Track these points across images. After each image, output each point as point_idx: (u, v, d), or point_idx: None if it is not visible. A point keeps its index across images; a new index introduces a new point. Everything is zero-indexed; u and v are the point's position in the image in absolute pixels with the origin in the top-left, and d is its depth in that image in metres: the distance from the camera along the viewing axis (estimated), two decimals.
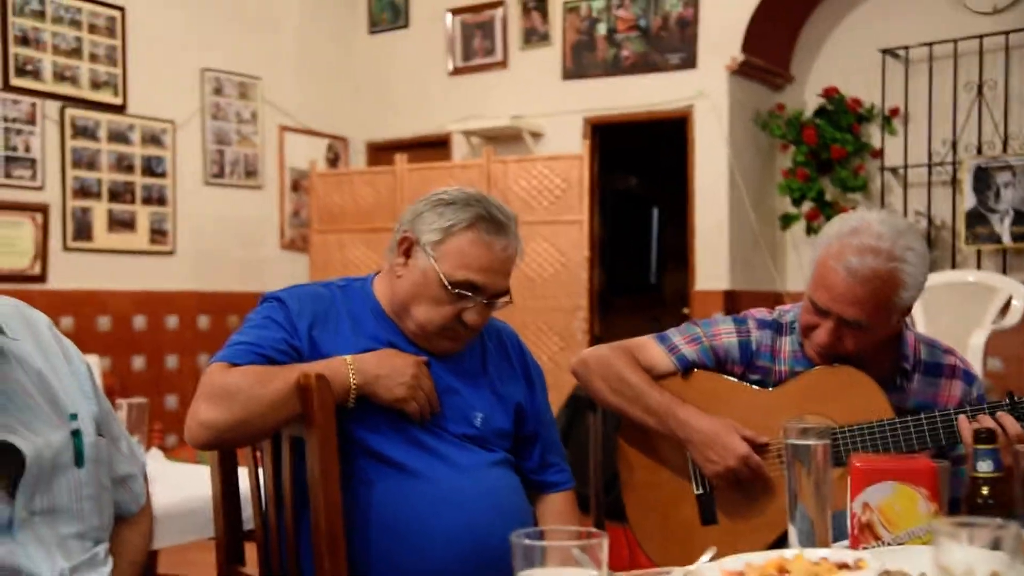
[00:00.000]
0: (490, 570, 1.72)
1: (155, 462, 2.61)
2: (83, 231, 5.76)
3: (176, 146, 6.23)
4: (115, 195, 5.92)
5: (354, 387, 1.75)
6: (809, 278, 1.98)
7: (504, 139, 6.50)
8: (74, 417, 1.45)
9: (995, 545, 0.83)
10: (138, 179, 6.04)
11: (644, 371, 2.10)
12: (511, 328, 2.06)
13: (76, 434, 1.44)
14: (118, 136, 5.93)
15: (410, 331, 1.84)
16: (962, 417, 1.83)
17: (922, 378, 2.03)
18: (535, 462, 1.97)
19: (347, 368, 1.75)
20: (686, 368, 2.12)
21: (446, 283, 1.78)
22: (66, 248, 5.67)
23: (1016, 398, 1.84)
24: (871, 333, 1.93)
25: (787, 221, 6.10)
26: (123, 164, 5.96)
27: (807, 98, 6.10)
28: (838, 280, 1.89)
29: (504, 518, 1.77)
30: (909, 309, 1.97)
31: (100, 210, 5.84)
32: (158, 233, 6.13)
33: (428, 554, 1.74)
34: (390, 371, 1.77)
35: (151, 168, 6.10)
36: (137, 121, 6.01)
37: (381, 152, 7.18)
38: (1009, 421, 1.79)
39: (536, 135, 6.47)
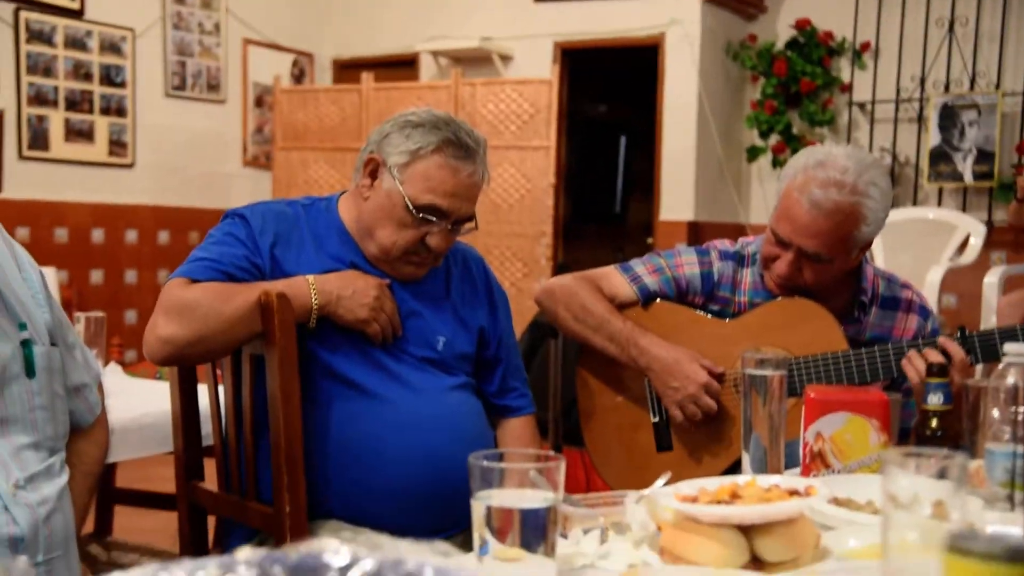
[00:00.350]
0: (448, 493, 1.73)
1: (114, 376, 2.60)
2: (39, 140, 5.62)
3: (136, 55, 6.07)
4: (72, 104, 5.77)
5: (316, 307, 1.74)
6: (773, 210, 1.99)
7: (473, 61, 6.40)
8: (23, 327, 1.42)
9: (941, 475, 0.85)
10: (96, 88, 5.89)
11: (607, 300, 2.12)
12: (476, 252, 2.05)
13: (26, 344, 1.41)
14: (75, 42, 5.76)
15: (372, 254, 1.83)
16: (912, 351, 1.87)
17: (879, 311, 2.06)
18: (496, 386, 1.99)
19: (309, 288, 1.74)
20: (647, 298, 2.13)
21: (411, 207, 1.76)
22: (21, 157, 5.54)
23: (967, 333, 1.88)
24: (830, 266, 1.95)
25: (753, 154, 6.11)
26: (80, 72, 5.80)
27: (779, 29, 6.06)
28: (801, 212, 1.90)
29: (463, 442, 1.78)
30: (869, 244, 1.99)
31: (57, 119, 5.70)
32: (117, 145, 6.00)
33: (386, 475, 1.75)
34: (352, 292, 1.76)
35: (110, 77, 5.95)
36: (95, 27, 5.84)
37: (347, 70, 7.05)
38: (953, 347, 1.84)
39: (505, 58, 6.38)
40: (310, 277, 1.76)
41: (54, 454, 1.46)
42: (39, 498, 1.38)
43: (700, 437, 2.08)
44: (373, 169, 1.82)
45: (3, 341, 1.38)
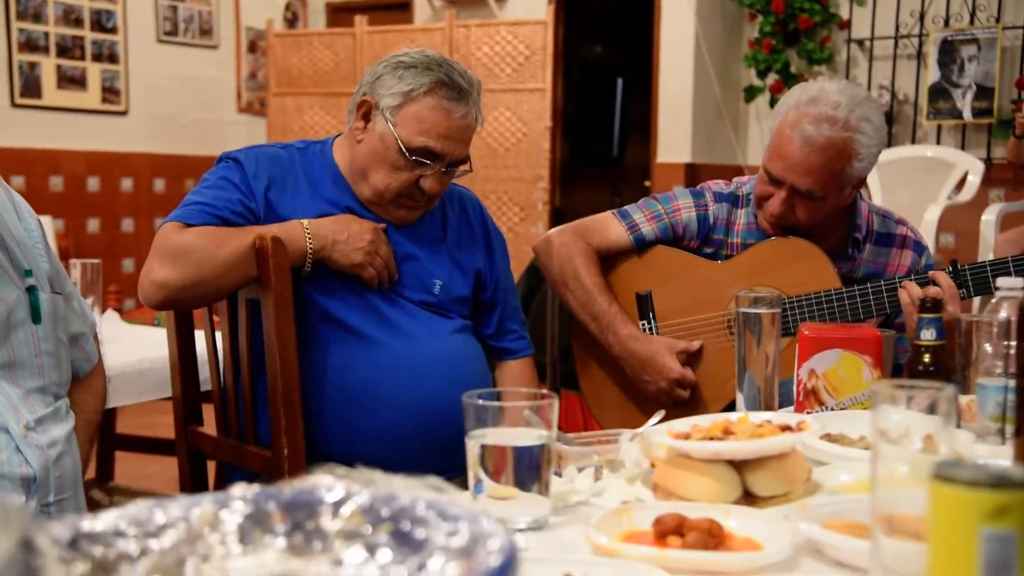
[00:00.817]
0: (446, 436, 1.75)
1: (111, 324, 2.60)
2: (31, 87, 5.57)
3: (126, 0, 5.98)
4: (64, 50, 5.71)
5: (311, 251, 1.74)
6: (766, 148, 1.98)
7: (467, 3, 6.31)
8: (29, 274, 1.44)
9: (931, 409, 0.86)
10: (87, 34, 5.82)
11: (599, 274, 2.12)
12: (473, 194, 2.05)
13: (31, 290, 1.43)
14: None
15: (366, 197, 1.82)
16: (905, 284, 1.88)
17: (873, 248, 2.06)
18: (493, 328, 1.99)
19: (304, 232, 1.74)
20: (643, 246, 2.14)
21: (404, 149, 1.75)
22: (14, 105, 5.50)
23: (959, 266, 1.89)
24: (823, 203, 1.94)
25: (751, 93, 6.05)
26: (71, 17, 5.72)
27: None
28: (793, 149, 1.90)
29: (461, 385, 1.78)
30: (862, 181, 1.98)
31: (48, 66, 5.64)
32: (110, 92, 5.95)
33: (384, 419, 1.77)
34: (347, 236, 1.76)
35: (100, 23, 5.87)
36: None
37: (340, 14, 6.96)
38: (943, 278, 1.85)
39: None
40: (304, 221, 1.75)
41: (59, 399, 1.48)
42: (49, 440, 1.41)
43: (696, 380, 2.09)
44: (366, 111, 1.80)
45: (9, 287, 1.39)
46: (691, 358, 2.06)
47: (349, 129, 1.85)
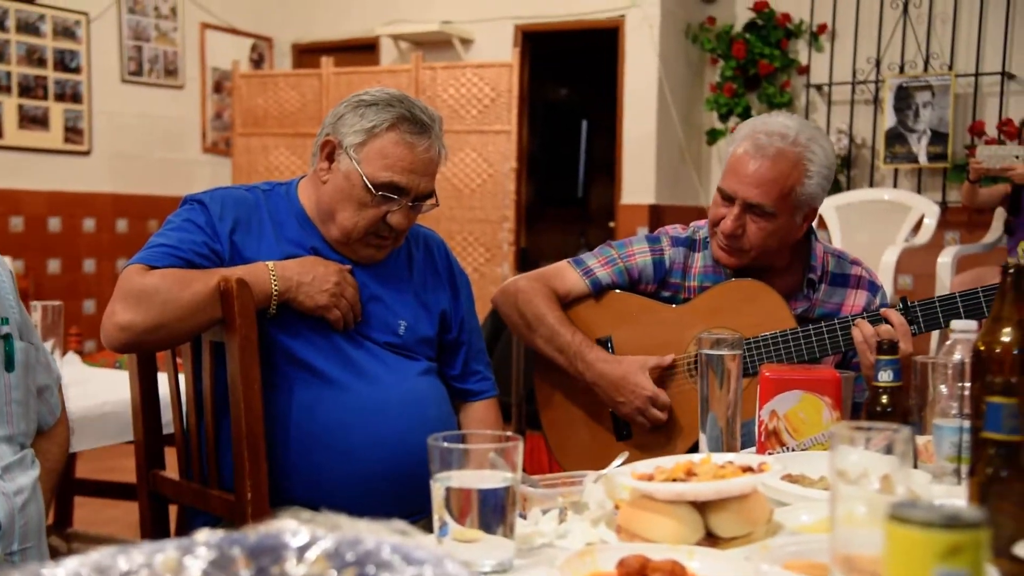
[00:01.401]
0: (412, 479, 1.74)
1: (72, 367, 2.57)
2: None
3: (90, 40, 5.98)
4: (26, 90, 5.68)
5: (275, 293, 1.74)
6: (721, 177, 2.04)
7: (433, 45, 6.37)
8: (5, 321, 1.43)
9: (889, 450, 0.87)
10: (51, 73, 5.79)
11: (560, 309, 2.15)
12: (438, 235, 2.06)
13: (6, 339, 1.42)
14: (28, 27, 5.66)
15: (333, 238, 1.83)
16: (858, 322, 1.91)
17: (829, 288, 2.10)
18: (458, 369, 2.00)
19: (269, 274, 1.74)
20: (599, 290, 2.17)
21: (369, 185, 1.76)
22: None
23: (908, 303, 1.93)
24: (773, 222, 1.97)
25: (713, 136, 6.15)
26: (34, 57, 5.70)
27: (738, 11, 6.10)
28: (746, 161, 1.96)
29: (425, 427, 1.79)
30: (813, 212, 2.03)
31: (10, 105, 5.61)
32: (73, 132, 5.92)
33: (348, 462, 1.76)
34: (312, 278, 1.76)
35: (64, 63, 5.86)
36: (48, 11, 5.74)
37: (307, 55, 6.99)
38: (894, 315, 1.89)
39: (466, 41, 6.36)
40: (269, 263, 1.75)
41: (24, 449, 1.46)
42: (15, 488, 1.39)
43: (659, 424, 2.10)
44: (330, 152, 1.81)
45: None
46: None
47: (313, 171, 1.86)
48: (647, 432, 2.10)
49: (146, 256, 1.72)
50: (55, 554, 2.47)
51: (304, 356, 1.78)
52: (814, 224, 2.13)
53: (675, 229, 2.19)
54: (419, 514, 1.80)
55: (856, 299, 2.08)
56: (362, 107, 1.79)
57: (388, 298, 1.87)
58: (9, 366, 1.42)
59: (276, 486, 1.75)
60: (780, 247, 2.03)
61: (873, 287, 2.11)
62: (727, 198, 2.00)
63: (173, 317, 1.68)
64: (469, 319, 2.02)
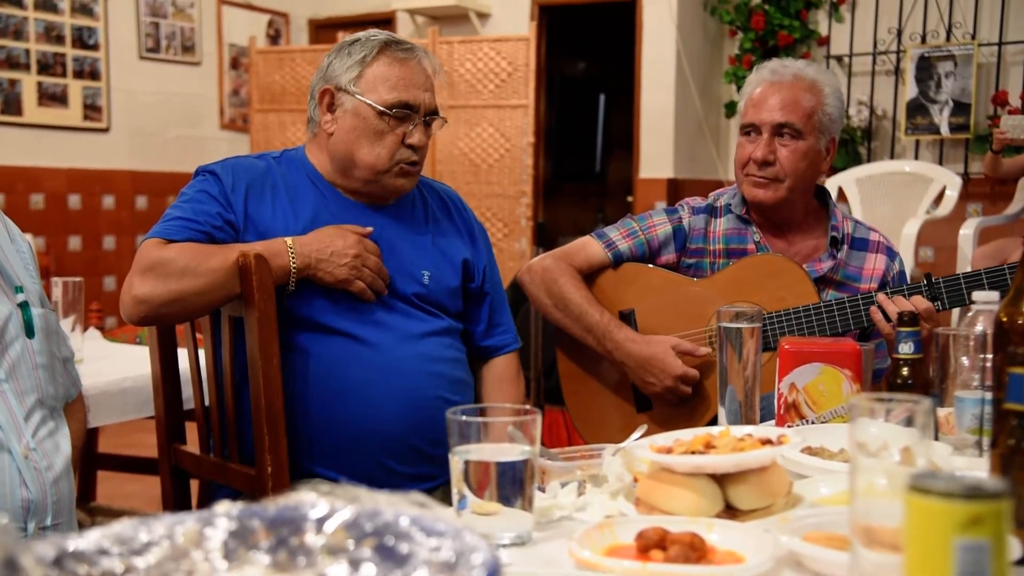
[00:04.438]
0: (427, 434, 1.77)
1: (93, 342, 2.59)
2: (12, 105, 5.55)
3: (108, 17, 5.98)
4: (44, 67, 5.69)
5: (294, 270, 1.74)
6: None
7: (450, 19, 6.34)
8: (20, 290, 1.46)
9: (909, 422, 0.87)
10: (69, 51, 5.80)
11: (586, 288, 2.16)
12: (451, 188, 2.08)
13: (23, 306, 1.45)
14: (46, 4, 5.66)
15: (362, 179, 1.83)
16: (880, 297, 1.91)
17: (850, 251, 2.12)
18: (484, 323, 1.99)
19: (287, 250, 1.74)
20: (619, 261, 2.17)
21: (381, 108, 1.80)
22: None
23: (933, 279, 1.92)
24: (804, 143, 2.03)
25: (732, 109, 6.09)
26: (52, 34, 5.71)
27: None
28: (767, 91, 2.05)
29: (444, 387, 1.81)
30: (833, 144, 2.09)
31: (29, 83, 5.63)
32: (91, 109, 5.93)
33: (366, 420, 1.76)
34: (331, 253, 1.76)
35: (82, 40, 5.86)
36: None
37: (323, 30, 6.97)
38: (919, 299, 1.89)
39: (483, 16, 6.32)
40: (288, 240, 1.75)
41: (55, 414, 1.49)
42: (47, 463, 1.43)
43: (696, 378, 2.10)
44: (329, 100, 1.85)
45: (1, 302, 1.41)
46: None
47: (314, 133, 1.88)
48: (667, 405, 2.11)
49: (163, 230, 1.73)
50: (79, 527, 2.52)
51: (325, 320, 1.78)
52: (834, 197, 2.14)
53: (695, 200, 2.21)
54: (437, 478, 1.81)
55: (876, 263, 2.11)
56: (345, 47, 1.86)
57: (409, 248, 1.88)
58: (29, 332, 1.46)
59: (296, 458, 1.76)
60: (809, 178, 2.08)
61: (891, 252, 2.14)
62: (752, 131, 2.07)
63: (191, 290, 1.69)
64: (491, 269, 2.02)
